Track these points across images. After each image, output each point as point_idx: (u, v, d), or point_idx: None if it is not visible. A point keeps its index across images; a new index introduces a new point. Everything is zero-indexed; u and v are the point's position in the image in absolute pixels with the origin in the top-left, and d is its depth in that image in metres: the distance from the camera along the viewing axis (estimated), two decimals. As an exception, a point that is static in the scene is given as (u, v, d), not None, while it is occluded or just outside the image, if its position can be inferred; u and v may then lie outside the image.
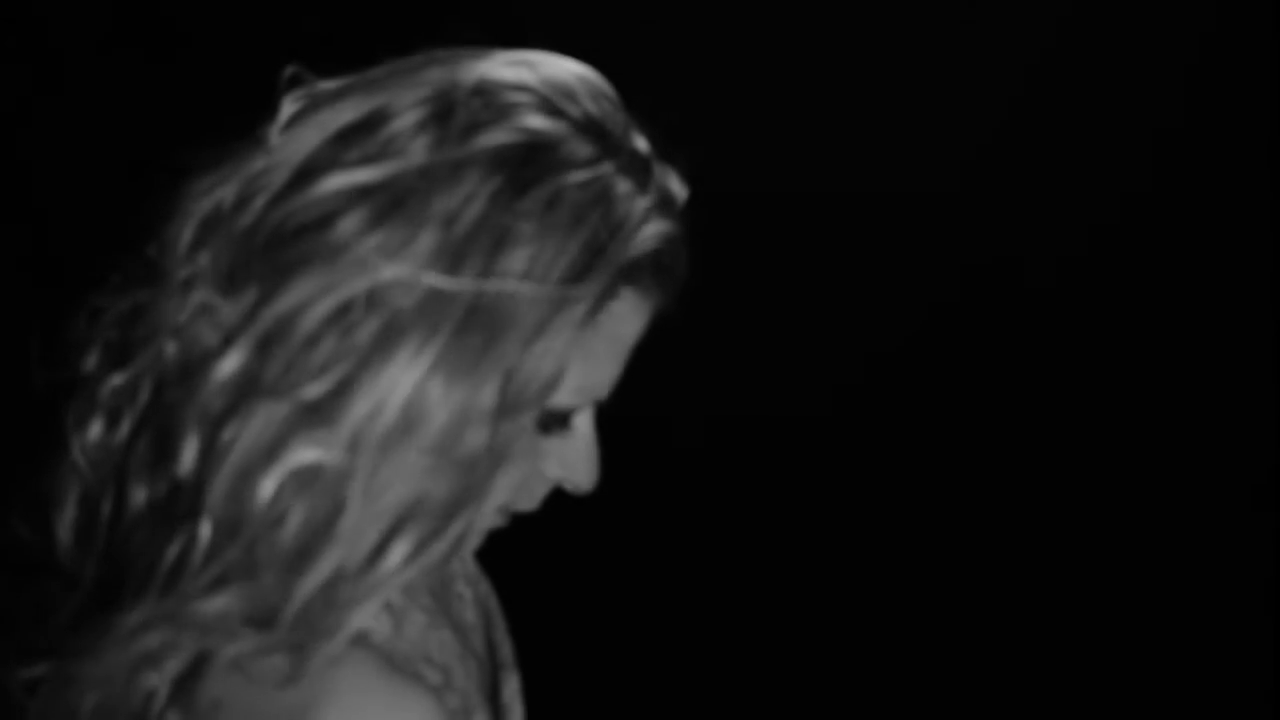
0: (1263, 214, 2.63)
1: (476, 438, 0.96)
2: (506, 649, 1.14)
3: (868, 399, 2.75)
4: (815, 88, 2.65)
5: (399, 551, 0.95)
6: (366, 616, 0.96)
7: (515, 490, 1.07)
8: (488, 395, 0.95)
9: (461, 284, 0.94)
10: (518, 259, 0.96)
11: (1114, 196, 2.68)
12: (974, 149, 2.67)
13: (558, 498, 1.11)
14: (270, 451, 0.94)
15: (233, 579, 0.95)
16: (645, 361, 1.08)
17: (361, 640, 0.99)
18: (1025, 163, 2.68)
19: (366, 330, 0.94)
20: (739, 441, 2.74)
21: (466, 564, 1.16)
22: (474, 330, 0.95)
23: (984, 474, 2.75)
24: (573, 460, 1.07)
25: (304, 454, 0.94)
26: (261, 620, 0.94)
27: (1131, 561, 2.74)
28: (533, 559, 1.73)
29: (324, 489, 0.94)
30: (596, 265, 0.98)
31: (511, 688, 1.14)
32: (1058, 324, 2.72)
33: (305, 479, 0.94)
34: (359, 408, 0.94)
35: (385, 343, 0.94)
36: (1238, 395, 2.70)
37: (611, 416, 1.09)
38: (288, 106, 1.03)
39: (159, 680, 0.96)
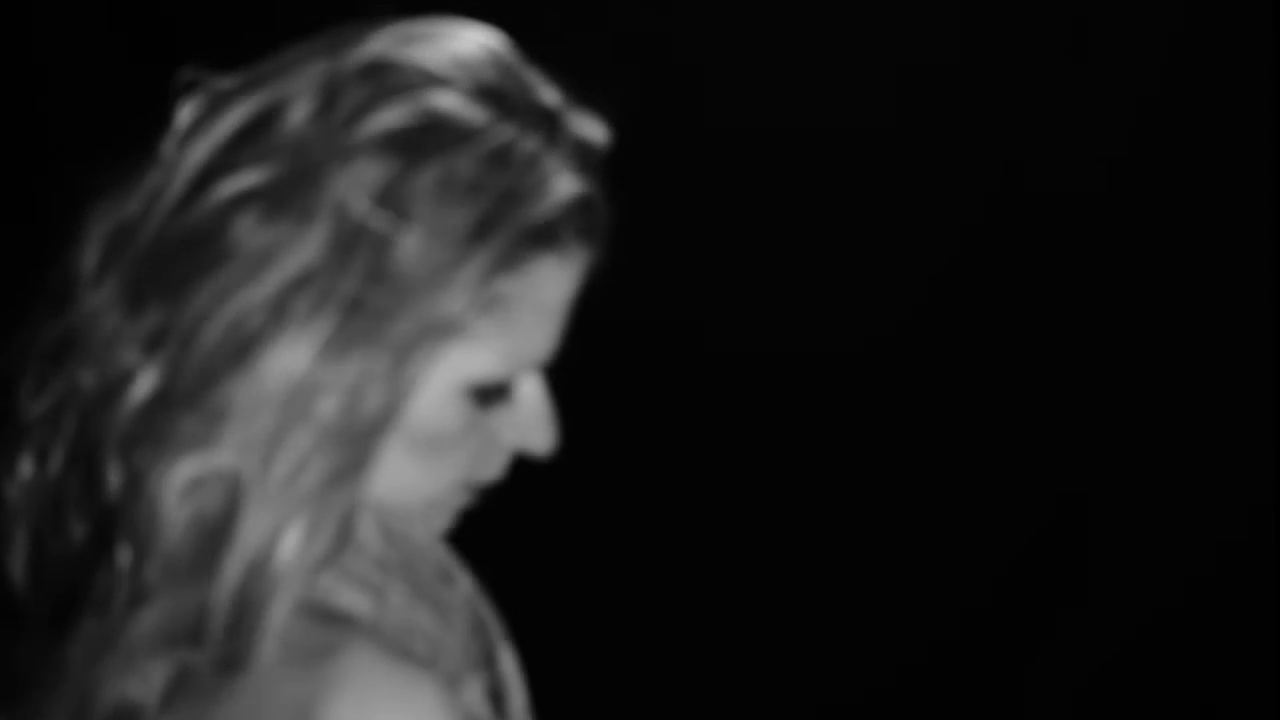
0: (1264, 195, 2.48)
1: (366, 410, 0.95)
2: (495, 624, 1.12)
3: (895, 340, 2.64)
4: (818, 14, 2.54)
5: (291, 540, 0.94)
6: (281, 612, 0.95)
7: (472, 464, 1.06)
8: (378, 369, 0.95)
9: (352, 270, 0.94)
10: (411, 239, 0.95)
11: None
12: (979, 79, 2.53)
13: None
14: (176, 464, 0.94)
15: (152, 598, 0.94)
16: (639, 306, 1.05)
17: (350, 624, 0.98)
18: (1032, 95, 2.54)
19: (258, 324, 0.94)
20: (751, 384, 2.65)
21: (438, 543, 1.15)
22: (365, 312, 0.94)
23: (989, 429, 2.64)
24: (526, 426, 1.06)
25: (201, 461, 0.94)
26: (190, 635, 0.94)
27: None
28: (524, 539, 1.72)
29: (223, 492, 0.94)
30: (494, 235, 0.96)
31: (508, 659, 1.13)
32: (1076, 269, 2.57)
33: (206, 485, 0.94)
34: (251, 402, 0.94)
35: (276, 333, 0.94)
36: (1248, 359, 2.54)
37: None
38: (184, 114, 1.02)
39: (143, 692, 0.97)
